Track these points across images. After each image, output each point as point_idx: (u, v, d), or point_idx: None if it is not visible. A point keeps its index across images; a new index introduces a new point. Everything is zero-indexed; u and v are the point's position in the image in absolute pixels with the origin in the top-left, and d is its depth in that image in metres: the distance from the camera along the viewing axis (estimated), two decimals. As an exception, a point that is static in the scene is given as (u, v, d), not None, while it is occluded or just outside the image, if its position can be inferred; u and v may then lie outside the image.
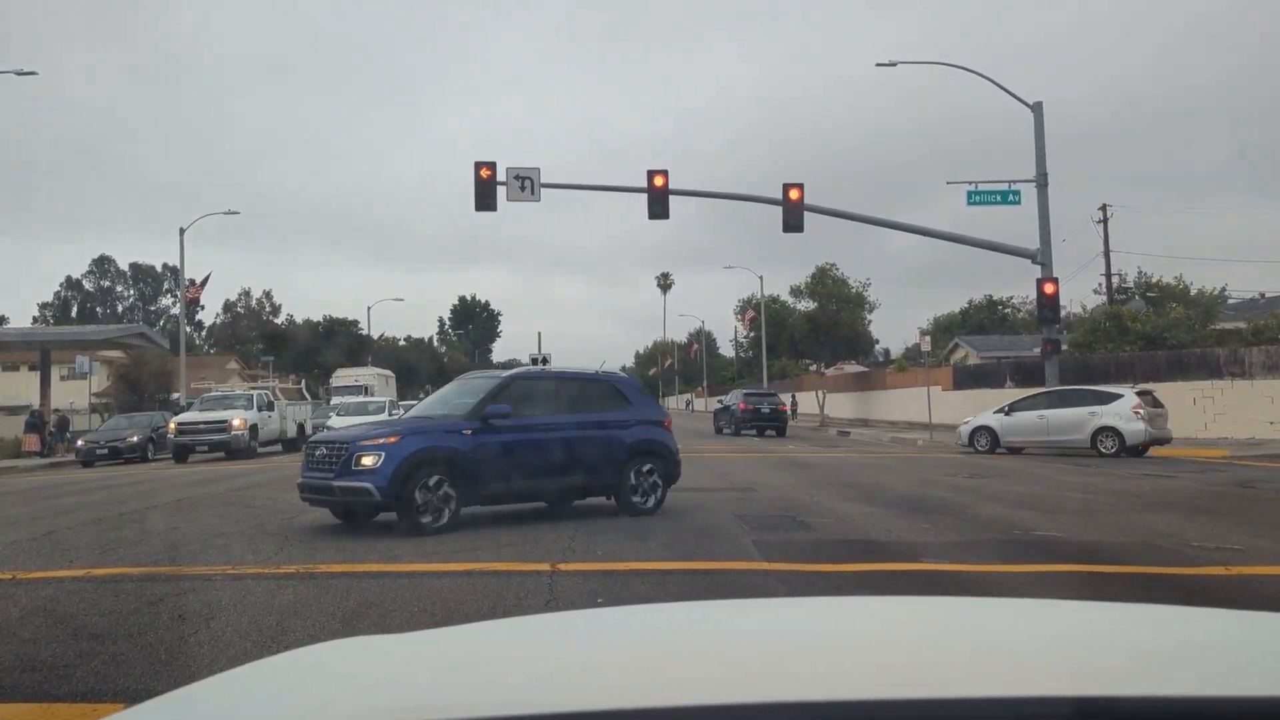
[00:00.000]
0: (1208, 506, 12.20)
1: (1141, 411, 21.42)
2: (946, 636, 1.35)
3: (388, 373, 54.63)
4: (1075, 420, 22.29)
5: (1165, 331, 30.49)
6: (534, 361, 32.58)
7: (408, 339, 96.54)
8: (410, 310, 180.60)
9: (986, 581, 7.29)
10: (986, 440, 23.70)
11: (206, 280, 45.31)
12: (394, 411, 33.49)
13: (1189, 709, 0.82)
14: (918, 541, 9.24)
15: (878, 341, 75.48)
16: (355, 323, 79.64)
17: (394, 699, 1.06)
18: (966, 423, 24.89)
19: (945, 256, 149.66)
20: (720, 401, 41.14)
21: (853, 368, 61.52)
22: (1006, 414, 23.69)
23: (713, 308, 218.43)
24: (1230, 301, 43.48)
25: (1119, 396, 22.11)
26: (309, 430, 34.40)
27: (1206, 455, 21.30)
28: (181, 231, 39.66)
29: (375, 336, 79.44)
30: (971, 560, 8.20)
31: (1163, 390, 23.57)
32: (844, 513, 11.43)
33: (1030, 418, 23.10)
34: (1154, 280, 41.30)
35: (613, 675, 1.16)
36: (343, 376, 50.31)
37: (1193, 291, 38.03)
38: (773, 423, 35.96)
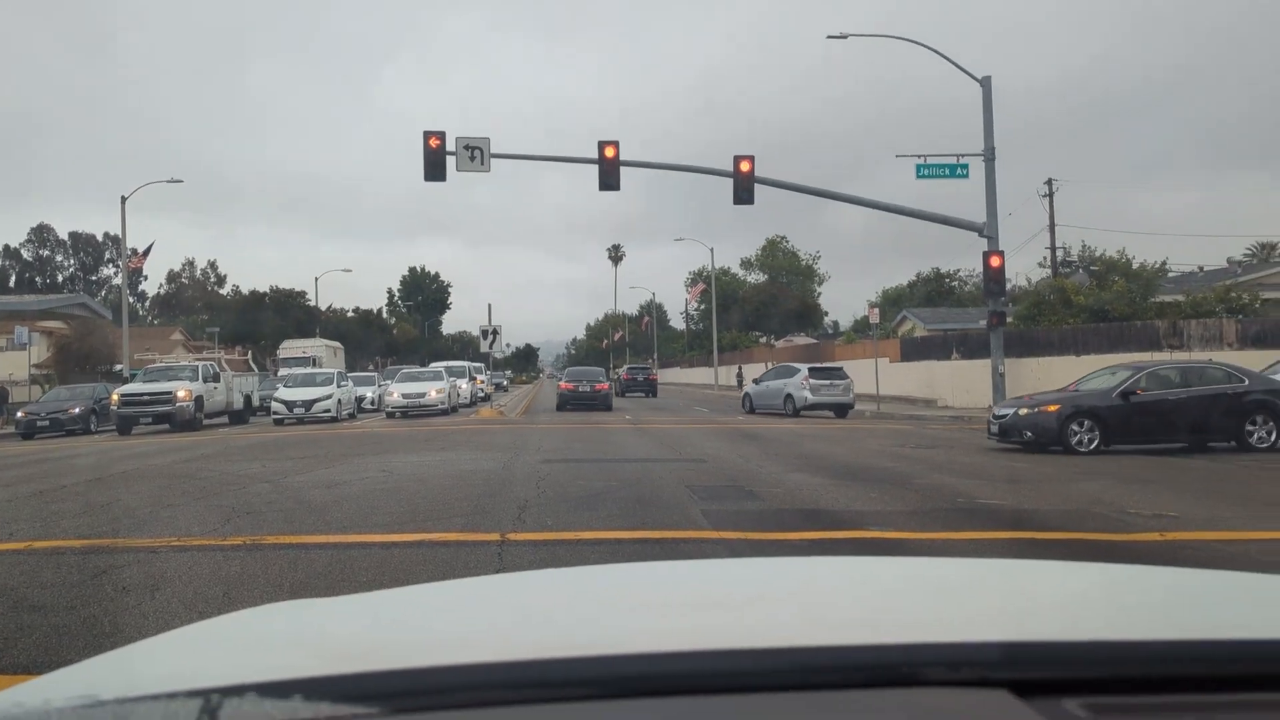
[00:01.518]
0: (1146, 476, 12.54)
1: (808, 383, 28.38)
2: (881, 588, 1.39)
3: (336, 344, 54.01)
4: (778, 389, 29.67)
5: (1107, 304, 31.13)
6: (484, 335, 32.39)
7: (356, 310, 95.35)
8: (359, 281, 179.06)
9: (929, 547, 7.45)
10: (748, 404, 31.54)
11: (149, 250, 44.31)
12: (342, 384, 33.15)
13: (1113, 653, 0.85)
14: (864, 510, 9.40)
15: (827, 314, 76.22)
16: (302, 294, 78.48)
17: (330, 650, 1.07)
18: (745, 390, 32.33)
19: (895, 230, 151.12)
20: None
21: (802, 340, 62.02)
22: (755, 383, 31.77)
23: (664, 280, 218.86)
24: (1170, 275, 44.49)
25: (798, 371, 29.55)
26: (256, 402, 33.97)
27: None
28: (123, 200, 38.71)
29: (323, 308, 78.43)
30: (914, 528, 8.37)
31: (1105, 361, 24.05)
32: (792, 483, 11.58)
33: (765, 386, 30.89)
34: (1097, 254, 42.14)
35: (550, 626, 1.18)
36: (290, 348, 49.68)
37: (1135, 265, 38.85)
38: (644, 389, 46.68)
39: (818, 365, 31.56)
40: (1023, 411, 16.47)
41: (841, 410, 28.70)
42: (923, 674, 0.76)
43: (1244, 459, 14.82)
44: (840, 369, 30.40)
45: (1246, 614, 1.18)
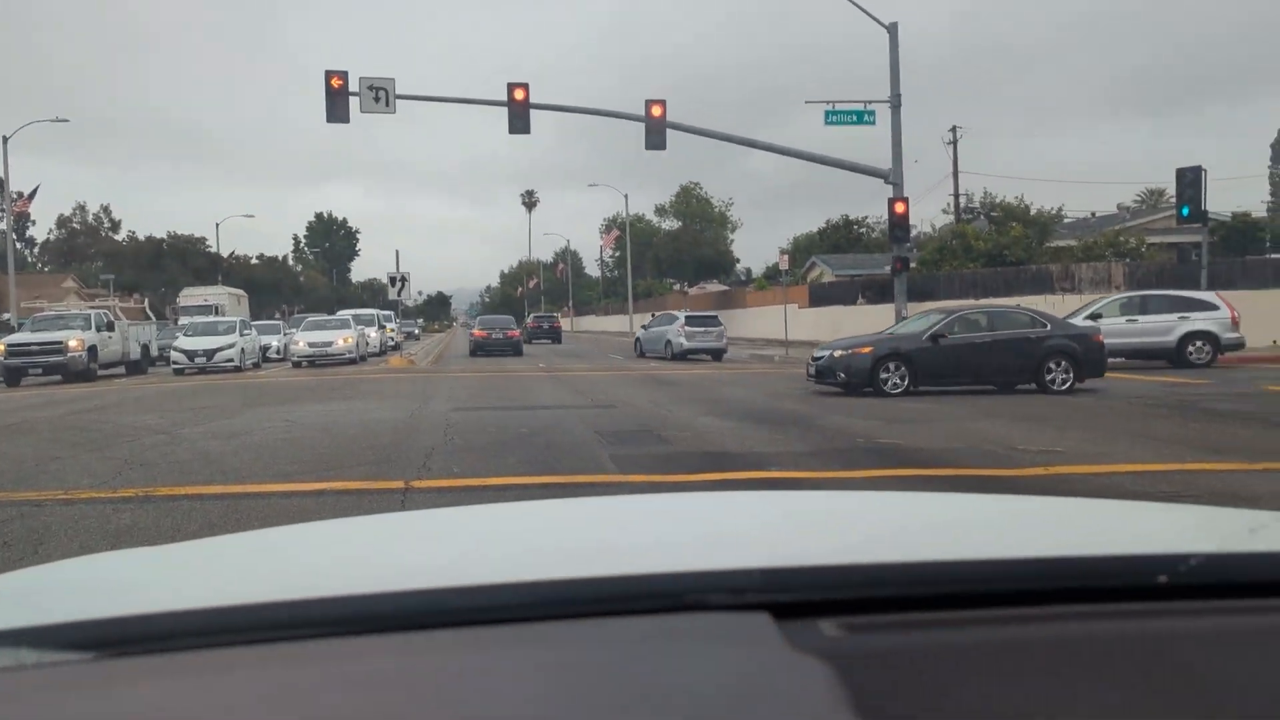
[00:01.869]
0: (1039, 414, 13.03)
1: (684, 330, 30.73)
2: (693, 519, 1.42)
3: (239, 292, 52.52)
4: (660, 335, 32.04)
5: (1005, 249, 32.04)
6: (392, 281, 31.83)
7: (261, 258, 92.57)
8: (263, 228, 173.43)
9: (825, 485, 7.64)
10: (639, 349, 33.49)
11: (35, 193, 42.33)
12: (245, 332, 32.28)
13: (866, 575, 0.88)
14: (768, 451, 9.59)
15: (739, 261, 76.74)
16: (203, 240, 75.95)
17: (183, 589, 1.05)
18: (636, 335, 34.57)
19: (805, 177, 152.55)
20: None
21: (715, 287, 62.47)
22: (644, 329, 34.26)
23: (578, 227, 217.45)
24: (1066, 221, 45.88)
25: (676, 319, 32.10)
26: (154, 352, 32.88)
27: (1129, 365, 22.67)
28: (4, 140, 36.69)
29: (225, 255, 76.00)
30: (815, 467, 8.58)
31: (1002, 303, 24.78)
32: (700, 426, 11.73)
33: (651, 333, 33.25)
34: (998, 201, 43.22)
35: (419, 557, 1.18)
36: (191, 295, 48.24)
37: (1032, 211, 39.97)
38: (550, 335, 50.61)
39: (694, 314, 34.52)
40: (838, 354, 16.52)
41: (716, 355, 30.79)
42: (689, 600, 0.79)
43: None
44: (714, 317, 33.03)
45: (1033, 534, 1.24)
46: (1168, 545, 1.07)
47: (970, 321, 17.04)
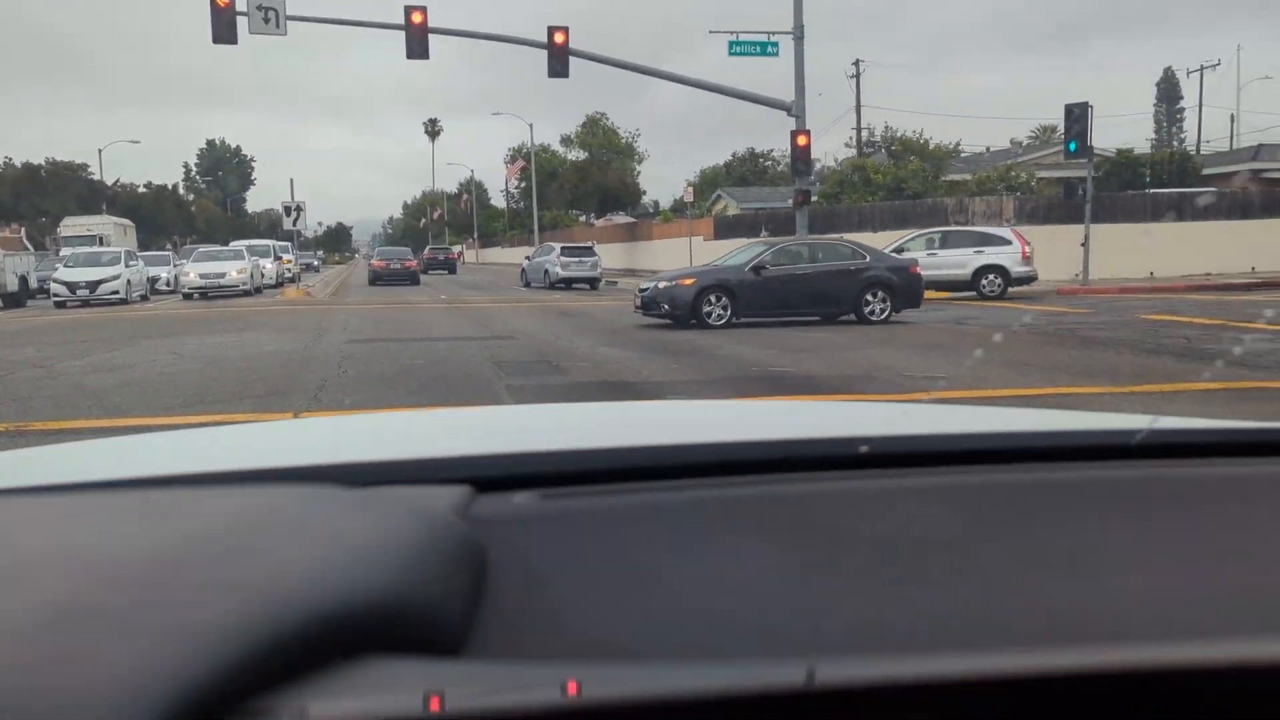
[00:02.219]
0: (927, 342, 13.45)
1: (560, 260, 32.61)
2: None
3: (126, 222, 50.31)
4: (540, 265, 34.39)
5: (903, 183, 32.64)
6: (287, 211, 30.86)
7: (149, 186, 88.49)
8: (151, 155, 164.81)
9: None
10: (524, 279, 35.96)
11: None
12: (132, 263, 31.00)
13: (559, 459, 0.95)
14: (665, 380, 9.71)
15: (646, 193, 76.45)
16: (85, 166, 72.26)
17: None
18: (522, 266, 37.56)
19: (713, 110, 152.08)
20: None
21: (622, 219, 62.21)
22: (528, 260, 36.20)
23: (483, 157, 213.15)
24: (963, 155, 46.89)
25: (554, 250, 34.16)
26: (33, 284, 31.39)
27: (929, 297, 23.34)
28: None
29: (110, 182, 72.50)
30: (710, 395, 8.74)
31: (898, 236, 25.24)
32: (600, 357, 11.79)
33: (533, 263, 35.58)
34: (898, 135, 43.87)
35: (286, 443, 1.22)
36: (72, 225, 46.02)
37: (931, 146, 40.71)
38: (445, 266, 54.08)
39: (570, 245, 36.77)
40: (662, 285, 16.33)
41: (592, 284, 32.44)
42: (400, 476, 0.84)
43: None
44: (590, 248, 35.32)
45: (767, 424, 1.35)
46: (856, 429, 1.16)
47: (792, 253, 17.06)
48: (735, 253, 18.09)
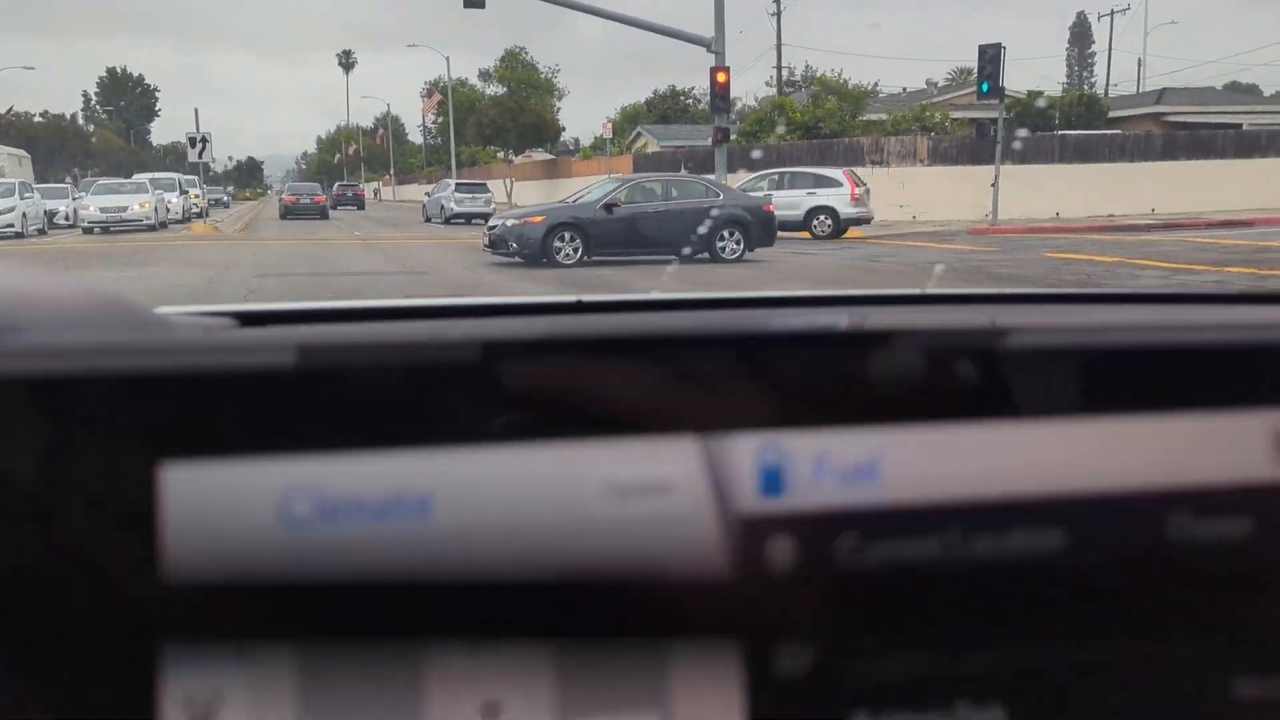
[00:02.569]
0: (839, 279, 13.70)
1: (454, 196, 34.45)
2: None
3: (20, 153, 47.89)
4: (437, 200, 35.59)
5: (821, 122, 32.84)
6: (192, 142, 29.76)
7: (45, 115, 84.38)
8: (46, 82, 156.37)
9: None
10: (424, 214, 36.76)
11: None
12: (26, 195, 29.64)
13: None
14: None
15: (565, 129, 75.54)
16: (-27, 94, 68.55)
17: None
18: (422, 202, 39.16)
19: (635, 47, 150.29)
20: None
21: (541, 156, 61.48)
22: (428, 196, 37.09)
23: (400, 92, 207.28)
24: (880, 95, 47.27)
25: (449, 186, 36.12)
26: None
27: (847, 237, 23.72)
28: None
29: (2, 110, 68.97)
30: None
31: (678, 176, 25.11)
32: (513, 291, 11.77)
33: (431, 199, 36.75)
34: (818, 74, 44.00)
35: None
36: (-40, 156, 43.64)
37: (850, 86, 40.93)
38: (353, 202, 56.76)
39: (464, 181, 38.76)
40: (510, 223, 15.66)
41: (486, 219, 31.80)
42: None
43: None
44: (483, 185, 36.97)
45: None
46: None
47: (646, 190, 16.73)
48: (589, 189, 17.36)
